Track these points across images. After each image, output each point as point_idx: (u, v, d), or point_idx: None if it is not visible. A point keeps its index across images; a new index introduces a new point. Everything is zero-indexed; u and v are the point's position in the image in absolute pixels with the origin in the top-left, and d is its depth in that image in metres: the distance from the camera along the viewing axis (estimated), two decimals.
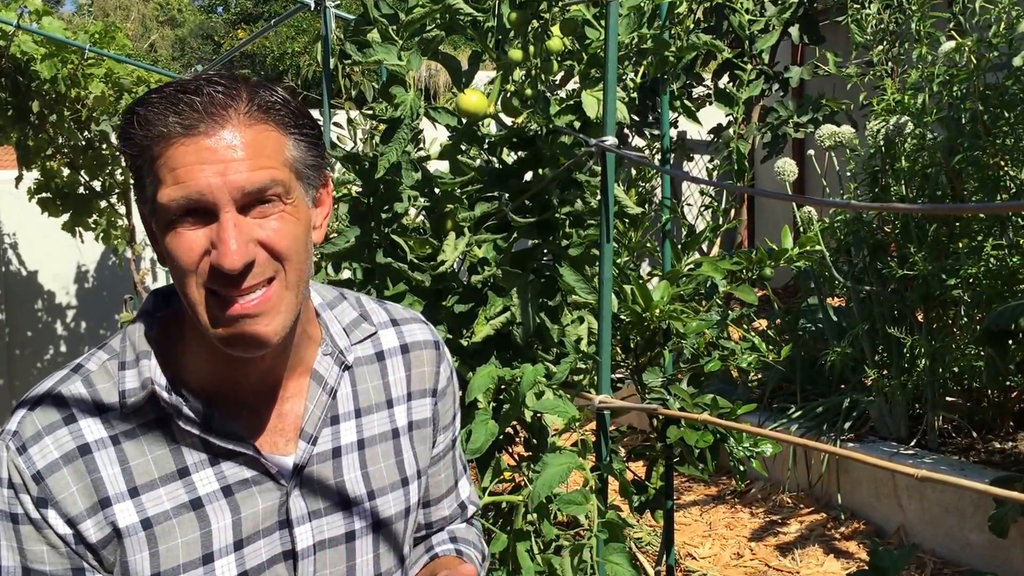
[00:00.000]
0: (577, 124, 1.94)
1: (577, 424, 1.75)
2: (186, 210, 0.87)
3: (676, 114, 2.36)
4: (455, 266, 2.04)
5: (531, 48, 1.93)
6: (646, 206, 3.18)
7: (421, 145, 2.16)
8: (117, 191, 5.46)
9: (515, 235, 1.96)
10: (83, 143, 5.18)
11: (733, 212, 5.14)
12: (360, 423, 1.06)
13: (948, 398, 3.23)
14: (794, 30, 4.92)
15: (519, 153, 2.03)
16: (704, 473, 2.01)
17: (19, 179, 5.34)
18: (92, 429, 0.93)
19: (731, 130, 2.55)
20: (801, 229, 2.97)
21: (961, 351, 2.96)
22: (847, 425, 3.31)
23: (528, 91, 1.93)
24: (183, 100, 0.87)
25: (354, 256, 2.04)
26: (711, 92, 5.17)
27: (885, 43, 3.21)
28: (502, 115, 2.02)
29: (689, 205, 5.63)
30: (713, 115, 5.05)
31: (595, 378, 1.88)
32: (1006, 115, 2.75)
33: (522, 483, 2.09)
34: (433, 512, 1.21)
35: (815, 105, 4.75)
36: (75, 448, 0.92)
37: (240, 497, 0.97)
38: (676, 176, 4.61)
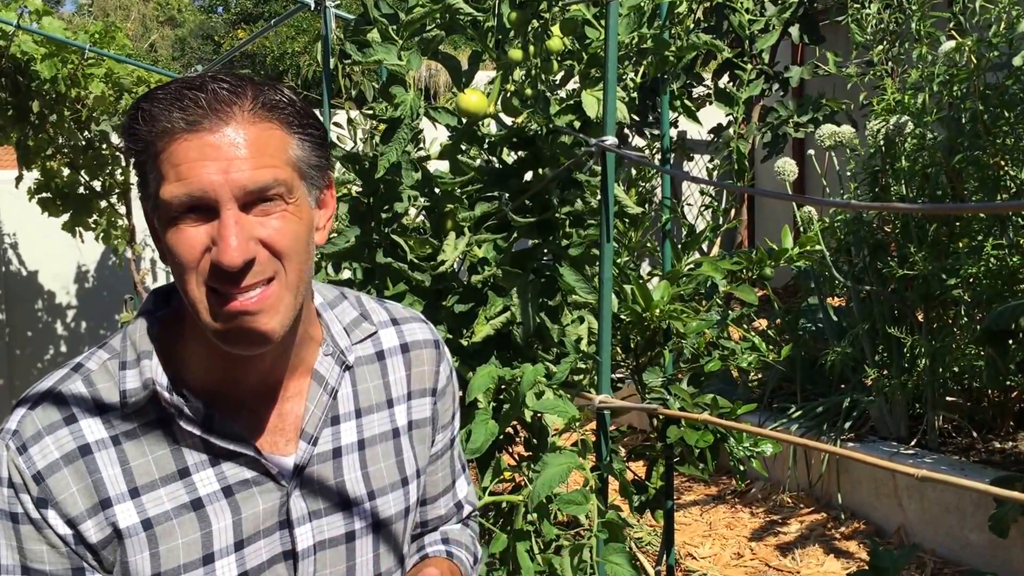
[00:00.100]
0: (577, 124, 1.94)
1: (577, 424, 1.75)
2: (188, 207, 0.87)
3: (676, 114, 2.36)
4: (455, 266, 2.04)
5: (531, 48, 1.93)
6: (646, 206, 3.18)
7: (421, 145, 2.16)
8: (117, 191, 5.46)
9: (515, 235, 1.96)
10: (83, 143, 5.18)
11: (733, 212, 5.14)
12: (360, 423, 1.06)
13: (948, 398, 3.23)
14: (794, 30, 4.92)
15: (519, 153, 2.02)
16: (704, 473, 2.01)
17: (19, 179, 5.34)
18: (93, 429, 0.93)
19: (731, 130, 2.55)
20: (801, 229, 2.97)
21: (961, 351, 2.96)
22: (847, 425, 3.31)
23: (528, 91, 1.93)
24: (188, 96, 0.87)
25: (354, 256, 2.04)
26: (711, 92, 5.17)
27: (885, 43, 3.21)
28: (502, 115, 2.02)
29: (689, 205, 5.63)
30: (713, 115, 5.05)
31: (595, 378, 1.87)
32: (1006, 115, 2.75)
33: (522, 483, 2.09)
34: (429, 511, 1.21)
35: (815, 105, 4.75)
36: (76, 448, 0.92)
37: (240, 497, 0.96)
38: (676, 176, 4.61)
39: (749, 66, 2.18)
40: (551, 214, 1.95)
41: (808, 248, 2.30)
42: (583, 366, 1.98)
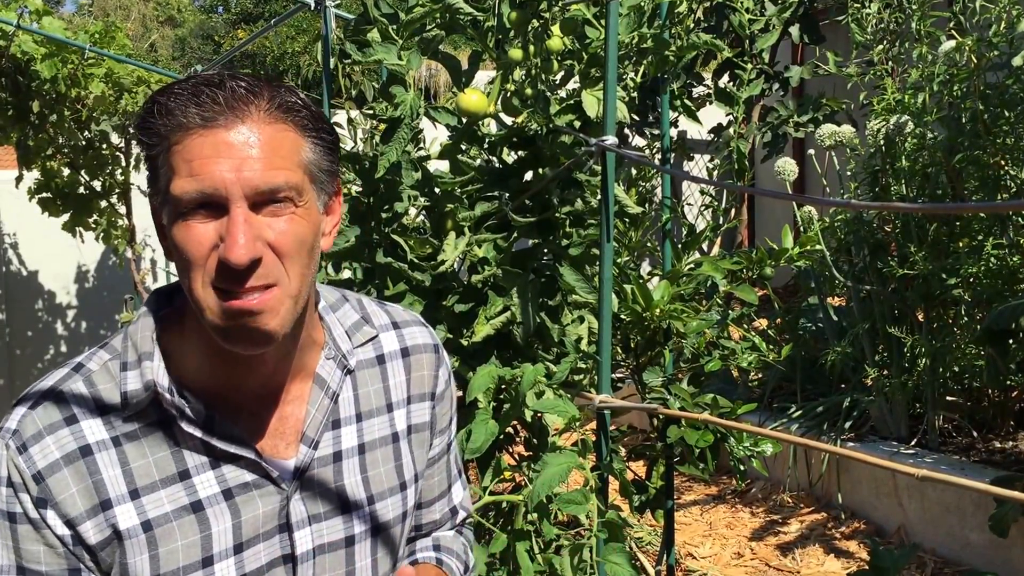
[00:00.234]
0: (577, 123, 1.93)
1: (577, 424, 1.75)
2: (198, 203, 0.87)
3: (676, 113, 2.36)
4: (455, 266, 2.04)
5: (531, 47, 1.93)
6: (646, 206, 3.18)
7: (421, 145, 2.16)
8: (117, 191, 5.46)
9: (515, 235, 1.96)
10: (83, 143, 5.19)
11: (733, 212, 5.13)
12: (361, 427, 1.06)
13: (948, 397, 3.23)
14: (794, 29, 4.91)
15: (519, 153, 2.02)
16: (704, 473, 2.01)
17: (19, 179, 5.34)
18: (94, 430, 0.93)
19: (731, 129, 2.54)
20: (801, 228, 2.97)
21: (961, 350, 2.96)
22: (847, 424, 3.31)
23: (528, 91, 1.93)
24: (205, 92, 0.87)
25: (354, 256, 2.04)
26: (711, 91, 5.16)
27: (885, 42, 3.21)
28: (502, 115, 2.02)
29: (689, 205, 5.62)
30: (713, 115, 5.05)
31: (595, 378, 1.87)
32: (1006, 114, 2.75)
33: (522, 483, 2.09)
34: (424, 515, 1.21)
35: (815, 104, 4.75)
36: (76, 449, 0.92)
37: (240, 500, 0.96)
38: (676, 176, 4.60)
39: (749, 66, 2.18)
40: (551, 214, 1.95)
41: (808, 248, 2.30)
42: (583, 366, 1.98)
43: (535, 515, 1.82)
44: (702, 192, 3.42)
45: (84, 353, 0.99)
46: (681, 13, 2.09)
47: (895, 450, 3.08)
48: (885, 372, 3.20)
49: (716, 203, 2.40)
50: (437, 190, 2.05)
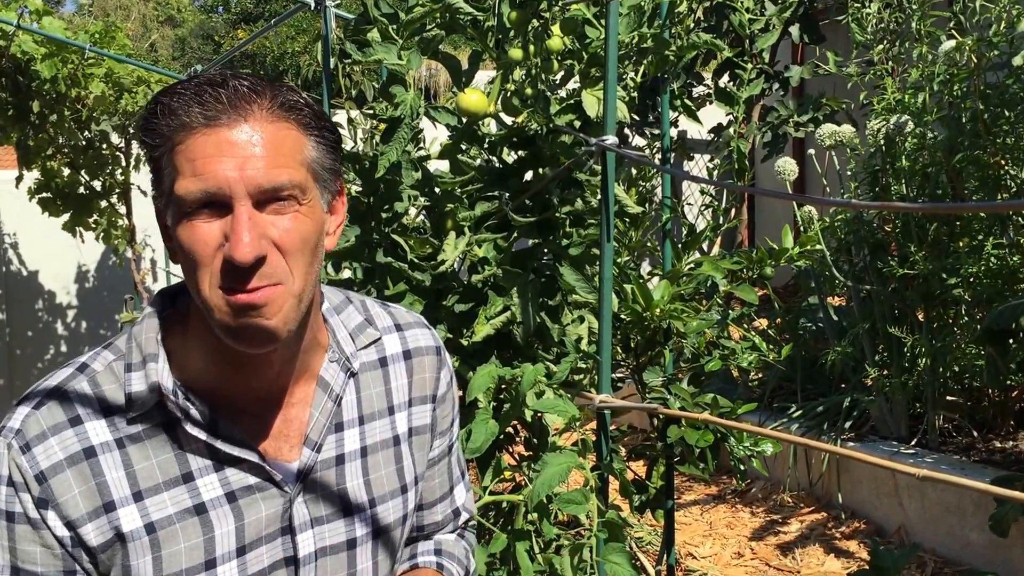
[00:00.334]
0: (577, 123, 1.93)
1: (577, 423, 1.75)
2: (202, 203, 0.87)
3: (676, 113, 2.36)
4: (455, 266, 2.04)
5: (531, 47, 1.93)
6: (646, 205, 3.18)
7: (421, 144, 2.16)
8: (117, 191, 5.46)
9: (515, 234, 1.96)
10: (83, 143, 5.19)
11: (733, 211, 5.13)
12: (363, 430, 1.06)
13: (949, 397, 3.23)
14: (794, 29, 4.91)
15: (519, 152, 2.02)
16: (705, 472, 2.01)
17: (19, 179, 5.34)
18: (98, 432, 0.92)
19: (731, 129, 2.54)
20: (801, 228, 2.97)
21: (962, 350, 2.96)
22: (847, 424, 3.31)
23: (528, 90, 1.93)
24: (208, 91, 0.87)
25: (354, 256, 2.04)
26: (711, 91, 5.16)
27: (885, 42, 3.21)
28: (502, 114, 2.02)
29: (689, 204, 5.62)
30: (713, 114, 5.05)
31: (595, 377, 1.87)
32: (1006, 114, 2.75)
33: (522, 482, 2.09)
34: (425, 516, 1.21)
35: (815, 104, 4.75)
36: (80, 450, 0.91)
37: (244, 503, 0.96)
38: (676, 175, 4.60)
39: (749, 65, 2.18)
40: (551, 214, 1.95)
41: (808, 247, 2.30)
42: (583, 366, 1.98)
43: (535, 515, 1.82)
44: (702, 192, 3.42)
45: (87, 353, 0.99)
46: (681, 13, 2.09)
47: (895, 450, 3.08)
48: (885, 372, 3.20)
49: (716, 203, 2.40)
50: (437, 190, 2.05)
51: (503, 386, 1.89)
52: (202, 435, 0.94)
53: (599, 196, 1.84)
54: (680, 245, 2.21)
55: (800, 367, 3.63)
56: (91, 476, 0.91)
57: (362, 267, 2.04)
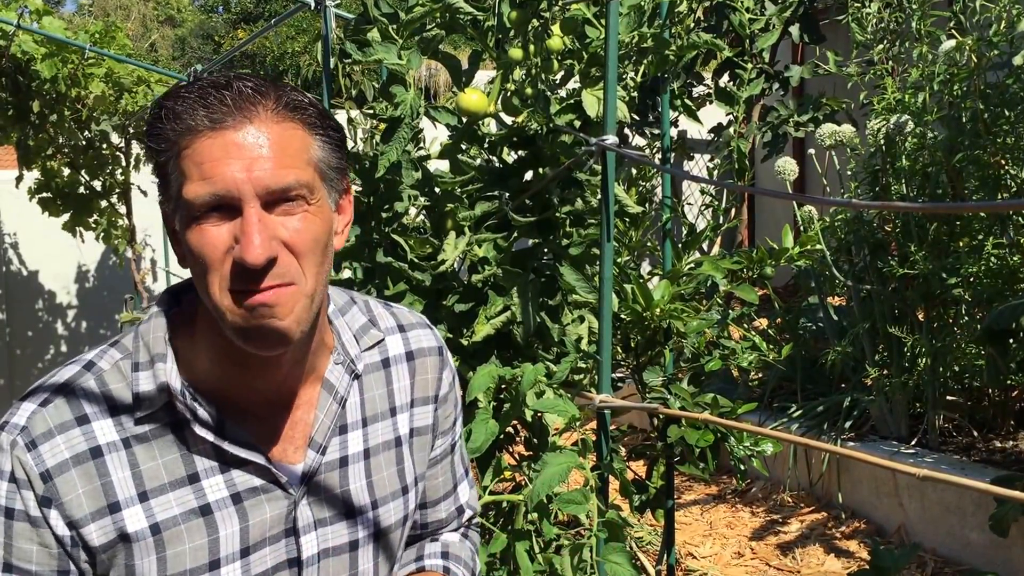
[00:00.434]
0: (577, 123, 1.93)
1: (578, 423, 1.75)
2: (211, 206, 0.87)
3: (676, 113, 2.36)
4: (455, 265, 2.04)
5: (531, 47, 1.93)
6: (646, 205, 3.18)
7: (421, 144, 2.16)
8: (117, 191, 5.46)
9: (515, 234, 1.96)
10: (83, 143, 5.19)
11: (733, 211, 5.13)
12: (366, 432, 1.06)
13: (949, 397, 3.23)
14: (794, 29, 4.91)
15: (519, 152, 2.02)
16: (705, 472, 2.01)
17: (19, 179, 5.34)
18: (105, 431, 0.92)
19: (731, 129, 2.54)
20: (802, 228, 2.97)
21: (962, 350, 2.96)
22: (848, 424, 3.31)
23: (528, 90, 1.93)
24: (212, 94, 0.87)
25: (354, 256, 2.04)
26: (711, 91, 5.16)
27: (885, 42, 3.21)
28: (502, 114, 2.02)
29: (689, 204, 5.62)
30: (713, 114, 5.04)
31: (596, 377, 1.87)
32: (1007, 114, 2.75)
33: (522, 482, 2.09)
34: (429, 514, 1.21)
35: (815, 104, 4.74)
36: (87, 450, 0.91)
37: (248, 505, 0.96)
38: (677, 175, 4.60)
39: (749, 65, 2.18)
40: (551, 213, 1.95)
41: (808, 247, 2.30)
42: (583, 365, 1.98)
43: (535, 515, 1.82)
44: (702, 192, 3.42)
45: (92, 351, 0.98)
46: (681, 12, 2.09)
47: (895, 450, 3.08)
48: (885, 372, 3.20)
49: (716, 203, 2.40)
50: (437, 190, 2.05)
51: (503, 386, 1.89)
52: (209, 436, 0.94)
53: (599, 196, 1.84)
54: (680, 245, 2.21)
55: (800, 367, 3.63)
56: (96, 476, 0.91)
57: (362, 267, 2.04)
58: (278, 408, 0.99)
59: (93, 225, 5.43)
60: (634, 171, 2.88)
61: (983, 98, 2.79)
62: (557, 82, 2.04)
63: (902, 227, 3.12)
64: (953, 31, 3.00)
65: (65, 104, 4.87)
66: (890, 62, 3.21)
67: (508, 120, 2.04)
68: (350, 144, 2.51)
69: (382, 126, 1.97)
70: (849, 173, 3.26)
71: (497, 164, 2.06)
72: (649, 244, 2.94)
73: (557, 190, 1.94)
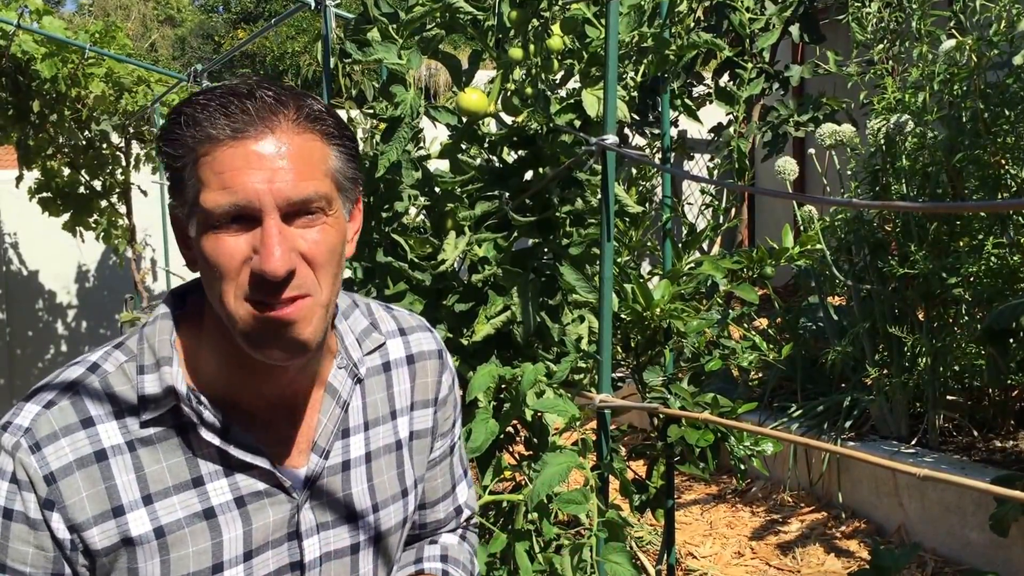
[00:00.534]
0: (577, 123, 1.93)
1: (578, 423, 1.75)
2: (231, 216, 0.86)
3: (676, 113, 2.36)
4: (455, 265, 2.04)
5: (531, 47, 1.93)
6: (646, 205, 3.18)
7: (421, 144, 2.16)
8: (117, 191, 5.47)
9: (515, 234, 1.96)
10: (83, 143, 5.19)
11: (733, 211, 5.13)
12: (368, 436, 1.06)
13: (949, 397, 3.23)
14: (794, 29, 4.91)
15: (519, 152, 2.02)
16: (705, 472, 2.01)
17: (19, 179, 5.34)
18: (109, 434, 0.92)
19: (731, 129, 2.54)
20: (802, 228, 2.97)
21: (962, 350, 2.96)
22: (848, 424, 3.31)
23: (528, 90, 1.93)
24: (234, 103, 0.86)
25: (354, 255, 2.04)
26: (711, 91, 5.16)
27: (886, 42, 3.21)
28: (502, 114, 2.02)
29: (690, 204, 5.62)
30: (713, 114, 5.05)
31: (596, 377, 1.87)
32: (1007, 113, 2.75)
33: (522, 482, 2.09)
34: (428, 514, 1.21)
35: (815, 104, 4.75)
36: (92, 453, 0.90)
37: (252, 508, 0.96)
38: (677, 175, 4.61)
39: (749, 65, 2.18)
40: (551, 213, 1.95)
41: (808, 247, 2.30)
42: (583, 365, 1.98)
43: (535, 514, 1.82)
44: (702, 191, 3.42)
45: (96, 352, 0.97)
46: (681, 12, 2.09)
47: (895, 449, 3.08)
48: (885, 371, 3.20)
49: (716, 202, 2.40)
50: (437, 189, 2.05)
51: (503, 386, 1.89)
52: (215, 440, 0.94)
53: (599, 196, 1.84)
54: (680, 245, 2.21)
55: (800, 367, 3.63)
56: (101, 479, 0.90)
57: (362, 267, 2.04)
58: (282, 412, 0.99)
59: (93, 225, 5.43)
60: (634, 171, 2.88)
61: (983, 98, 2.79)
62: (557, 82, 2.04)
63: (902, 227, 3.12)
64: (953, 31, 3.00)
65: (65, 104, 4.87)
66: (890, 62, 3.21)
67: (508, 120, 2.04)
68: None
69: (382, 126, 1.97)
70: (849, 173, 3.26)
71: (497, 164, 2.06)
72: (649, 244, 2.94)
73: (557, 190, 1.94)
